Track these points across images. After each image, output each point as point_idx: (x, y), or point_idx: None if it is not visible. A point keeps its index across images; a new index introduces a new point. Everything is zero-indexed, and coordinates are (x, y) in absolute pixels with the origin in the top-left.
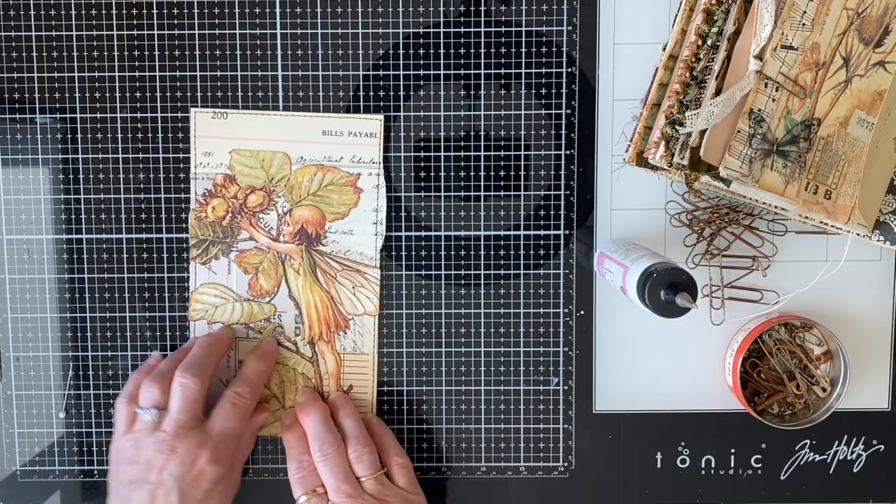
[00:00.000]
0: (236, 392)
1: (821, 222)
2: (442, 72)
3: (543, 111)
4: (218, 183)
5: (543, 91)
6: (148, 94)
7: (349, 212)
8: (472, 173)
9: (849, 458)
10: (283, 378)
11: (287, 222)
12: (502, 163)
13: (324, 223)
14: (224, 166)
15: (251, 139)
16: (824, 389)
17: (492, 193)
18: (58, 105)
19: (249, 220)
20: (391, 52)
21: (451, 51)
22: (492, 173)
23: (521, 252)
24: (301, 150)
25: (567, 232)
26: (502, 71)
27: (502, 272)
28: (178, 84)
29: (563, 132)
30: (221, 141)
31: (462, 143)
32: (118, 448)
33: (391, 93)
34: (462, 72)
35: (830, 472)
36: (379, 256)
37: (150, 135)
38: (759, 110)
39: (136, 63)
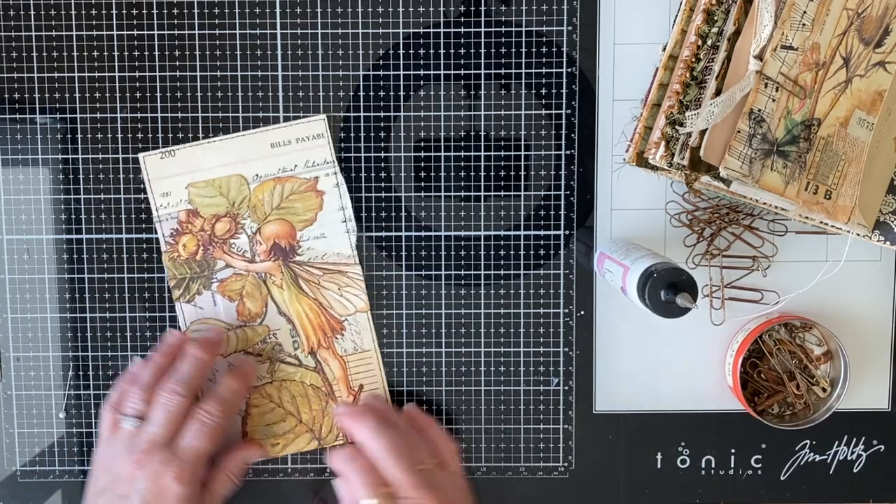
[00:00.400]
0: (205, 410)
1: (821, 222)
2: (442, 72)
3: (543, 111)
4: (182, 220)
5: (543, 91)
6: (148, 94)
7: (316, 216)
8: (472, 173)
9: (849, 458)
10: (294, 393)
11: (258, 241)
12: (502, 163)
13: (294, 234)
14: (184, 202)
15: (204, 169)
16: (824, 389)
17: (492, 193)
18: (58, 105)
19: (222, 249)
20: (391, 52)
21: (451, 51)
22: (492, 173)
23: (521, 252)
24: (254, 167)
25: (567, 232)
26: (502, 71)
27: (502, 272)
28: (177, 84)
29: (563, 132)
30: (175, 178)
31: (462, 143)
32: (97, 455)
33: (391, 93)
34: (462, 72)
35: (830, 472)
36: (356, 253)
37: (149, 135)
38: (759, 110)
39: (136, 63)
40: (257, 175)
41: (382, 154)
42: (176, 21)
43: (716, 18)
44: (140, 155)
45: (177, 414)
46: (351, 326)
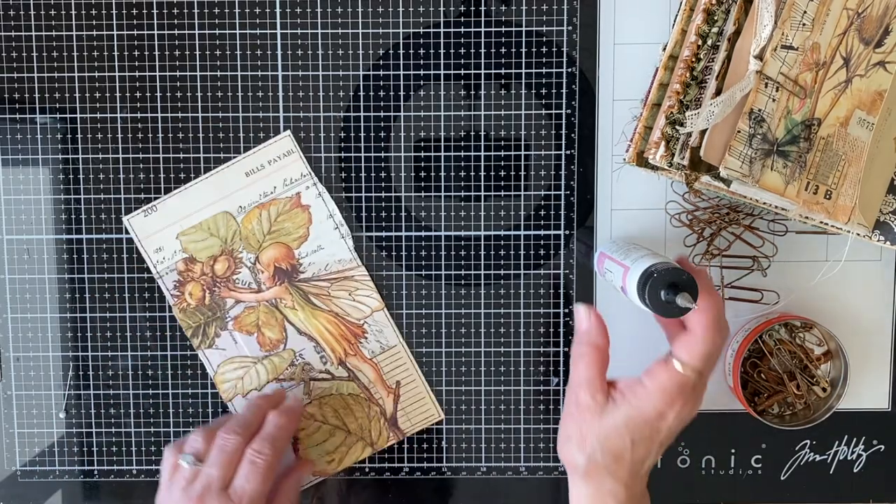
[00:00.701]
0: (254, 450)
1: (821, 222)
2: (442, 72)
3: (543, 111)
4: (181, 270)
5: (543, 91)
6: (148, 95)
7: (308, 231)
8: (472, 173)
9: (849, 458)
10: (335, 407)
11: (260, 270)
12: (502, 163)
13: (292, 253)
14: (179, 252)
15: (189, 215)
16: (824, 389)
17: (492, 193)
18: (58, 105)
19: (227, 287)
20: (391, 52)
21: (451, 51)
22: (492, 173)
23: (521, 252)
24: (236, 200)
25: (567, 232)
26: (502, 71)
27: (502, 272)
28: (178, 84)
29: (563, 132)
30: (164, 232)
31: (462, 143)
32: (159, 500)
33: (391, 93)
34: (462, 72)
35: (830, 472)
36: (356, 255)
37: (150, 135)
38: (760, 110)
39: (136, 63)
40: (241, 207)
41: (382, 154)
42: (176, 21)
43: (716, 18)
44: (124, 219)
45: (232, 453)
46: (371, 327)
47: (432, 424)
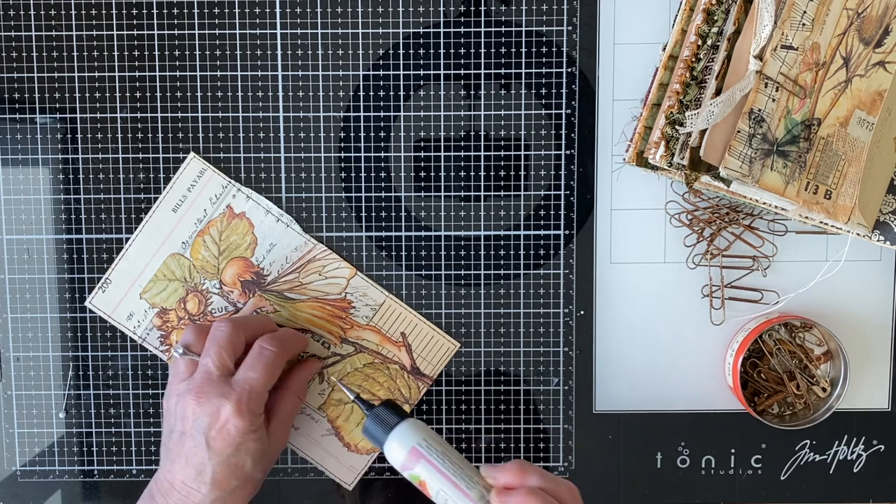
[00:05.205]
0: (263, 343)
1: (821, 222)
2: (442, 72)
3: (543, 111)
4: (158, 325)
5: (543, 91)
6: (148, 94)
7: (255, 236)
8: (472, 173)
9: (849, 458)
10: (359, 382)
11: (229, 291)
12: (502, 163)
13: (250, 262)
14: (149, 310)
15: (142, 272)
16: (824, 389)
17: (492, 193)
18: (58, 105)
19: (207, 321)
20: (391, 52)
21: (451, 51)
22: (492, 173)
23: (521, 252)
24: (176, 238)
25: (567, 232)
26: (502, 71)
27: (502, 272)
28: (178, 84)
29: (563, 132)
30: (127, 298)
31: (462, 143)
32: (167, 395)
33: (391, 93)
34: (462, 72)
35: (830, 472)
36: (307, 236)
37: (150, 135)
38: (759, 110)
39: (136, 63)
40: (184, 242)
41: (382, 154)
42: (176, 21)
43: (716, 18)
44: (87, 302)
45: (226, 346)
46: (354, 295)
47: (452, 357)
